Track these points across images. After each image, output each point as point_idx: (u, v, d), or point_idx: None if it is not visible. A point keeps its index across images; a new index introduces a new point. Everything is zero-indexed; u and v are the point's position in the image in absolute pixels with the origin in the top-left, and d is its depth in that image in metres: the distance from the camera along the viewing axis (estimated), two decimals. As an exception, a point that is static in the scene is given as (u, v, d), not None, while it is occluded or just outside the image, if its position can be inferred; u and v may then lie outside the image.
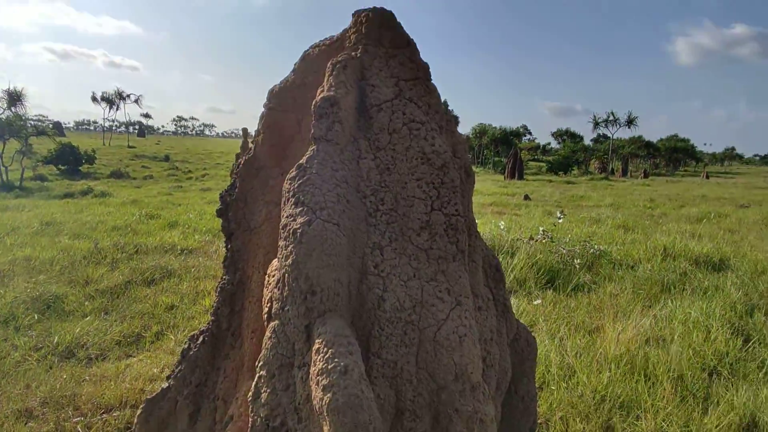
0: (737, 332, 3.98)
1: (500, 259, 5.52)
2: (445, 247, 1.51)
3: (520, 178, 30.88)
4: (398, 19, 1.78)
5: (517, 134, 59.27)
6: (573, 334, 3.82)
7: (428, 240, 1.50)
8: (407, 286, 1.47)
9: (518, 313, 4.25)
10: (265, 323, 1.43)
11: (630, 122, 51.20)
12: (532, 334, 3.83)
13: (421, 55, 1.76)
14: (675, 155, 79.39)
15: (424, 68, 1.74)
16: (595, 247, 6.45)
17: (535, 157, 72.35)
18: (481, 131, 55.20)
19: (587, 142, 69.35)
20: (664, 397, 2.82)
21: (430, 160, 1.54)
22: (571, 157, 49.27)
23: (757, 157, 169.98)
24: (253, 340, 1.72)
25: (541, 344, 3.43)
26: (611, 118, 51.40)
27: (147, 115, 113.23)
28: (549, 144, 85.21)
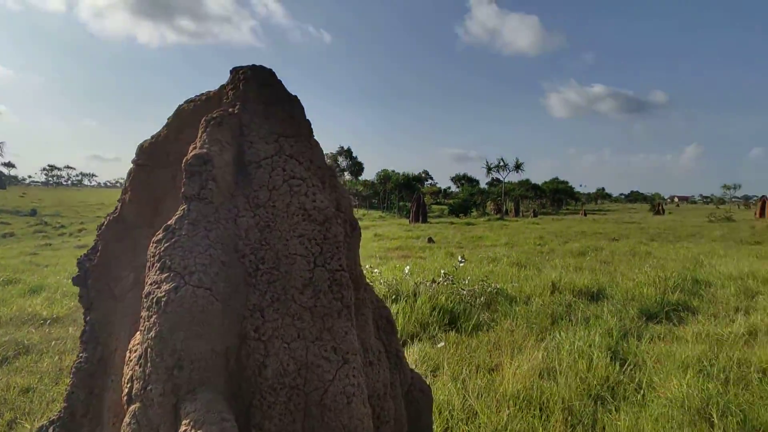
0: (615, 357, 4.45)
1: (404, 304, 5.64)
2: (330, 303, 1.50)
3: (424, 221, 32.38)
4: (293, 74, 1.83)
5: (420, 179, 62.68)
6: (474, 374, 3.97)
7: (312, 298, 1.49)
8: (291, 348, 1.42)
9: (422, 357, 4.32)
10: (125, 407, 1.27)
11: (518, 167, 57.10)
12: (436, 378, 3.92)
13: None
14: (557, 196, 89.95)
15: (306, 125, 1.79)
16: (493, 285, 6.89)
17: (438, 200, 76.75)
18: (386, 177, 57.47)
19: (483, 185, 75.68)
20: (556, 428, 3.02)
21: (311, 216, 1.56)
22: (469, 199, 53.12)
23: (623, 196, 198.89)
24: (116, 426, 1.52)
25: (444, 388, 3.50)
26: (501, 163, 56.99)
27: (9, 164, 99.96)
28: (449, 188, 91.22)
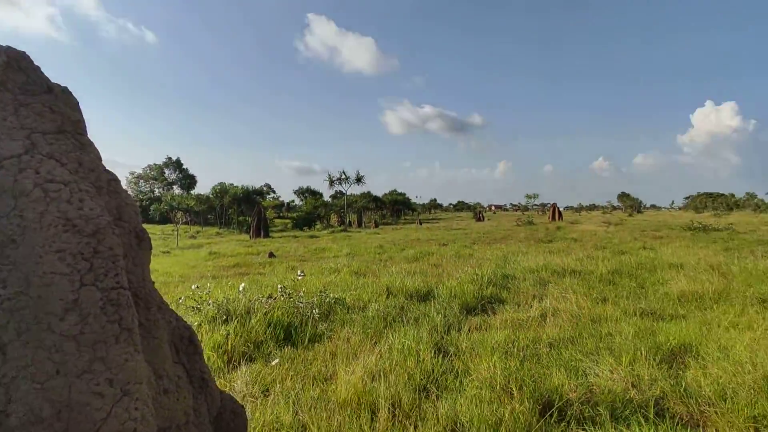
0: (439, 350, 4.92)
1: (236, 323, 5.32)
2: (103, 328, 1.30)
3: (266, 236, 31.41)
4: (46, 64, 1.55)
5: (261, 193, 60.74)
6: (309, 386, 3.94)
7: (78, 323, 1.27)
8: (46, 389, 1.19)
9: (255, 377, 4.12)
10: None
11: (359, 180, 59.77)
12: (267, 397, 3.77)
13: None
14: (396, 207, 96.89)
15: (74, 120, 1.54)
16: (331, 295, 7.00)
17: (281, 214, 75.42)
18: (222, 191, 54.16)
19: (327, 198, 77.02)
20: (383, 426, 3.17)
21: (77, 227, 1.33)
22: (313, 212, 53.46)
23: (451, 205, 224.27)
24: None
25: (274, 405, 3.39)
26: (344, 176, 58.91)
27: None
28: (293, 201, 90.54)
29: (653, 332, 5.31)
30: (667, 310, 6.57)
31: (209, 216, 58.09)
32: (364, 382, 3.88)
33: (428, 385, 4.03)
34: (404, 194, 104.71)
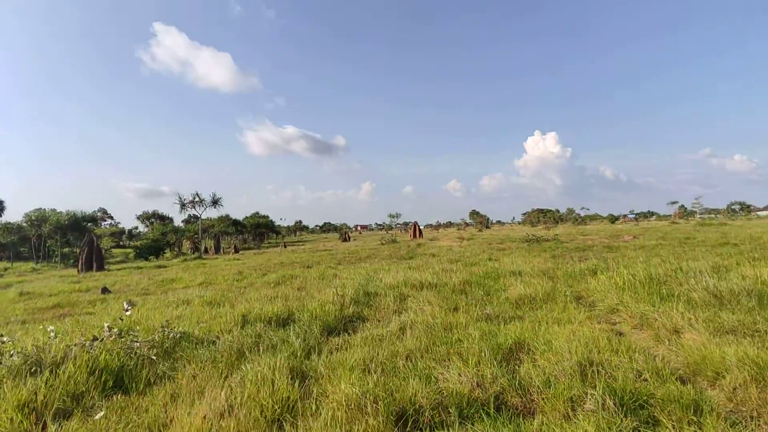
0: (297, 376, 4.77)
1: (48, 374, 4.47)
2: None
3: (100, 268, 27.49)
4: None
5: (94, 219, 53.14)
6: (142, 438, 3.47)
7: None
8: None
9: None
10: None
11: (215, 202, 56.27)
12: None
13: None
14: (259, 230, 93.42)
15: None
16: (176, 330, 6.35)
17: (120, 243, 66.90)
18: (41, 218, 45.95)
19: (178, 223, 70.75)
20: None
21: None
22: (161, 239, 48.59)
23: (318, 227, 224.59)
24: None
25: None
26: (197, 198, 54.85)
27: None
28: (136, 228, 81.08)
29: (495, 334, 5.91)
30: (507, 313, 7.40)
31: (22, 249, 48.61)
32: (208, 423, 3.55)
33: (283, 415, 3.86)
34: (267, 217, 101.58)
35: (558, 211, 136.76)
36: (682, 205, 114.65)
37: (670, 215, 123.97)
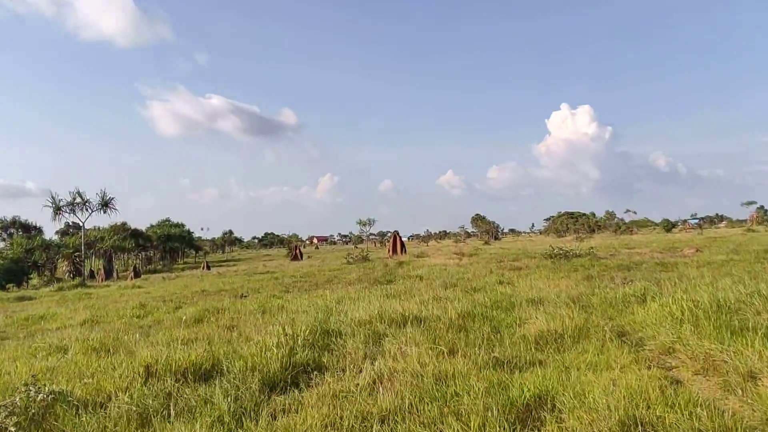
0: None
1: None
2: None
3: (-64, 303, 26.64)
4: None
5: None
6: None
7: None
8: None
9: None
10: None
11: (106, 205, 55.20)
12: None
13: None
14: (171, 245, 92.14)
15: None
16: (48, 389, 6.22)
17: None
18: None
19: (51, 235, 69.03)
20: None
21: None
22: (25, 259, 47.37)
23: (256, 240, 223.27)
24: None
25: None
26: (79, 199, 53.66)
27: None
28: (-12, 242, 78.83)
29: (507, 385, 6.00)
30: (523, 357, 7.53)
31: None
32: None
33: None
34: (183, 226, 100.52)
35: (593, 215, 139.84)
36: (761, 207, 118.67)
37: (745, 220, 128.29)
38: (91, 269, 52.93)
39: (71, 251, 55.37)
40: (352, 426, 5.23)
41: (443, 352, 7.96)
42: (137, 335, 11.86)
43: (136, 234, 75.47)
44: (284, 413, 5.96)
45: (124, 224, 72.03)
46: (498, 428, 4.67)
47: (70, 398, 6.29)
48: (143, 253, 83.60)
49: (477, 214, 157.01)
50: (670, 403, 5.14)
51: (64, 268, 51.76)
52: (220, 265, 73.64)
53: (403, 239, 66.07)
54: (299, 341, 8.92)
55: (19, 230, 69.21)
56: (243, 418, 5.72)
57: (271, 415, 5.82)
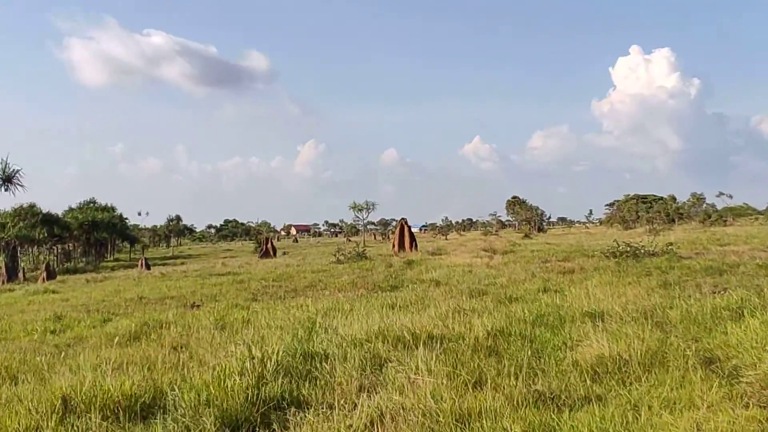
0: None
1: None
2: None
3: None
4: None
5: None
6: None
7: None
8: None
9: None
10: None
11: (8, 180, 55.12)
12: None
13: None
14: (97, 235, 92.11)
15: None
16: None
17: None
18: None
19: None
20: None
21: None
22: None
23: (213, 229, 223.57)
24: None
25: None
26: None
27: None
28: None
29: (553, 430, 6.01)
30: (575, 391, 7.53)
31: None
32: None
33: None
34: (113, 209, 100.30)
35: (674, 199, 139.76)
36: None
37: None
38: (-11, 267, 53.09)
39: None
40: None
41: (467, 384, 7.97)
42: (51, 357, 11.91)
43: (49, 220, 75.50)
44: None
45: (32, 207, 71.90)
46: (540, 486, 4.68)
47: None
48: (59, 246, 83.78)
49: (514, 197, 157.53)
50: (775, 455, 5.14)
51: (-49, 265, 51.92)
52: (164, 263, 73.69)
53: (414, 230, 66.17)
54: (270, 367, 8.93)
55: None
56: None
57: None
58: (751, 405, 6.74)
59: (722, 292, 14.12)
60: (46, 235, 74.02)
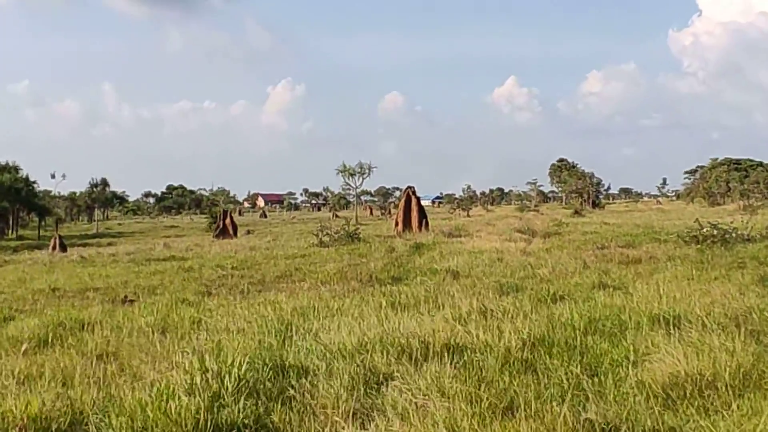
0: None
1: None
2: None
3: None
4: None
5: None
6: None
7: None
8: None
9: None
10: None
11: None
12: None
13: None
14: (12, 207, 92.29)
15: None
16: None
17: None
18: None
19: None
20: None
21: None
22: None
23: (151, 199, 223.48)
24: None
25: None
26: None
27: None
28: None
29: (610, 473, 6.04)
30: (641, 421, 7.54)
31: None
32: None
33: None
34: (16, 169, 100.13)
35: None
36: None
37: None
38: None
39: None
40: None
41: (494, 409, 8.00)
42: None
43: None
44: None
45: None
46: None
47: None
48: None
49: (561, 161, 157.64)
50: None
51: None
52: (86, 244, 73.80)
53: (424, 203, 66.18)
54: (230, 384, 8.97)
55: None
56: None
57: None
58: None
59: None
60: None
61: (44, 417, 7.98)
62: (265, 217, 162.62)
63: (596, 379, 9.25)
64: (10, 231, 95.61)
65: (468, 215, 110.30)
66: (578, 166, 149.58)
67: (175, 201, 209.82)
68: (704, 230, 30.14)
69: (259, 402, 8.62)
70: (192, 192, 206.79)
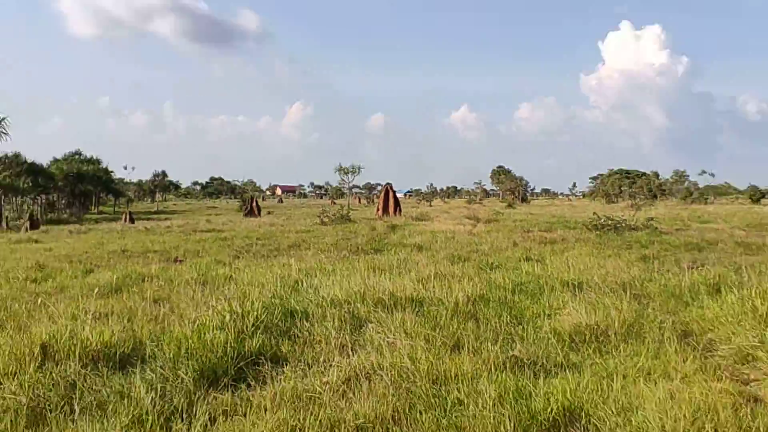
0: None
1: None
2: None
3: None
4: None
5: None
6: None
7: None
8: None
9: None
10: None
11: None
12: None
13: None
14: (81, 187, 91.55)
15: None
16: None
17: None
18: None
19: None
20: None
21: None
22: None
23: (198, 186, 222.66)
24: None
25: None
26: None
27: None
28: None
29: (528, 394, 6.05)
30: (552, 358, 7.61)
31: None
32: None
33: None
34: (98, 162, 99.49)
35: (656, 175, 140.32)
36: None
37: None
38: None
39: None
40: (318, 437, 5.27)
41: (445, 347, 8.02)
42: (31, 305, 11.86)
43: (34, 170, 74.97)
44: (227, 416, 5.99)
45: (17, 156, 71.29)
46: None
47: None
48: (44, 196, 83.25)
49: (499, 167, 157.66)
50: (744, 427, 5.20)
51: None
52: (149, 218, 73.40)
53: (399, 195, 66.17)
54: (250, 322, 8.94)
55: None
56: (171, 419, 5.75)
57: (210, 418, 5.85)
58: (723, 378, 6.81)
59: (700, 268, 14.23)
60: (30, 185, 73.57)
61: (113, 343, 7.95)
62: (281, 202, 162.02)
63: (521, 327, 9.34)
64: (93, 207, 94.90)
65: (430, 205, 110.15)
66: (512, 171, 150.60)
67: (216, 188, 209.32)
68: (602, 221, 30.54)
69: (272, 337, 8.63)
70: (228, 182, 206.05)
